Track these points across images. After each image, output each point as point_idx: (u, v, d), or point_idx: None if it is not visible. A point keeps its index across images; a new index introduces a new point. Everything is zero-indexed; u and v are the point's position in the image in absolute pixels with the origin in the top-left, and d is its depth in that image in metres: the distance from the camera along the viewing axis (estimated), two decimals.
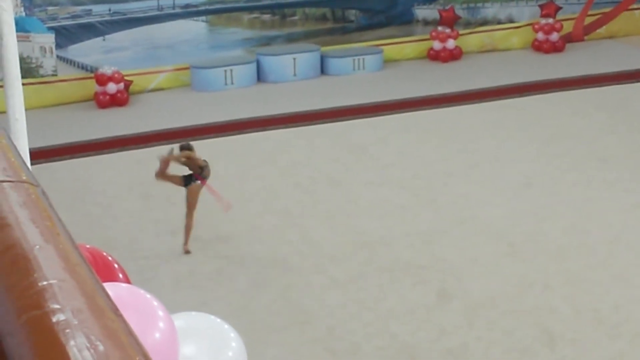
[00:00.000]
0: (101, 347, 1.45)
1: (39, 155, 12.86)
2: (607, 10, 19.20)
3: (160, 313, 3.28)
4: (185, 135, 13.44)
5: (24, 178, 2.15)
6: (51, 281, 1.62)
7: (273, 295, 9.26)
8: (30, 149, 4.52)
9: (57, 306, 1.54)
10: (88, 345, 1.44)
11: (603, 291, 9.08)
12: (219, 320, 3.69)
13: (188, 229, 10.24)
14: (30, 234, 1.81)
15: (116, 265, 3.96)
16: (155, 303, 3.33)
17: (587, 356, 8.01)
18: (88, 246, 3.71)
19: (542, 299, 8.98)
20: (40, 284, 1.61)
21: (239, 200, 11.56)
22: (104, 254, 3.98)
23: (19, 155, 2.38)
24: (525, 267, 9.62)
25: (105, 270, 3.63)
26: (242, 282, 9.55)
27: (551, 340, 8.24)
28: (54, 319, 1.50)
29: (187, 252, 10.21)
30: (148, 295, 3.36)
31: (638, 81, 16.43)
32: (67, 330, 1.47)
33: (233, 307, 8.98)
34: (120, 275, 3.91)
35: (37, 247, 1.75)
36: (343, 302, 9.07)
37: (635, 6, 19.43)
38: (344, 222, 10.92)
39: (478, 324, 8.55)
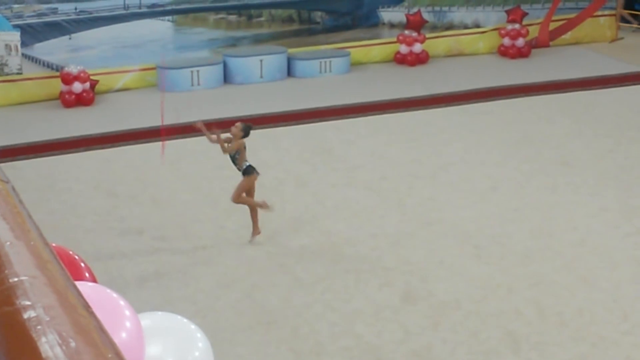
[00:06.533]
0: (73, 344, 1.44)
1: (4, 154, 12.78)
2: (571, 16, 19.35)
3: (127, 312, 3.26)
4: (151, 135, 13.38)
5: None
6: (22, 277, 1.60)
7: (239, 295, 9.24)
8: None
9: (28, 303, 1.53)
10: (60, 341, 1.43)
11: (568, 294, 9.15)
12: (185, 320, 3.67)
13: (255, 212, 10.39)
14: (1, 231, 1.79)
15: (82, 264, 3.93)
16: (121, 302, 3.31)
17: (551, 359, 8.06)
18: (54, 245, 3.67)
19: (507, 301, 9.03)
20: (11, 280, 1.59)
21: (206, 200, 11.54)
22: (70, 252, 3.95)
23: None
24: (490, 270, 9.67)
25: (71, 269, 3.59)
26: (207, 282, 9.53)
27: (515, 342, 8.28)
28: (25, 316, 1.49)
29: (258, 234, 10.42)
30: (114, 295, 3.34)
31: (603, 87, 16.58)
32: (39, 327, 1.46)
33: (199, 306, 8.95)
34: (87, 274, 3.88)
35: (8, 243, 1.74)
36: (309, 302, 9.07)
37: (599, 13, 19.59)
38: (310, 223, 10.92)
39: (443, 326, 8.59)
